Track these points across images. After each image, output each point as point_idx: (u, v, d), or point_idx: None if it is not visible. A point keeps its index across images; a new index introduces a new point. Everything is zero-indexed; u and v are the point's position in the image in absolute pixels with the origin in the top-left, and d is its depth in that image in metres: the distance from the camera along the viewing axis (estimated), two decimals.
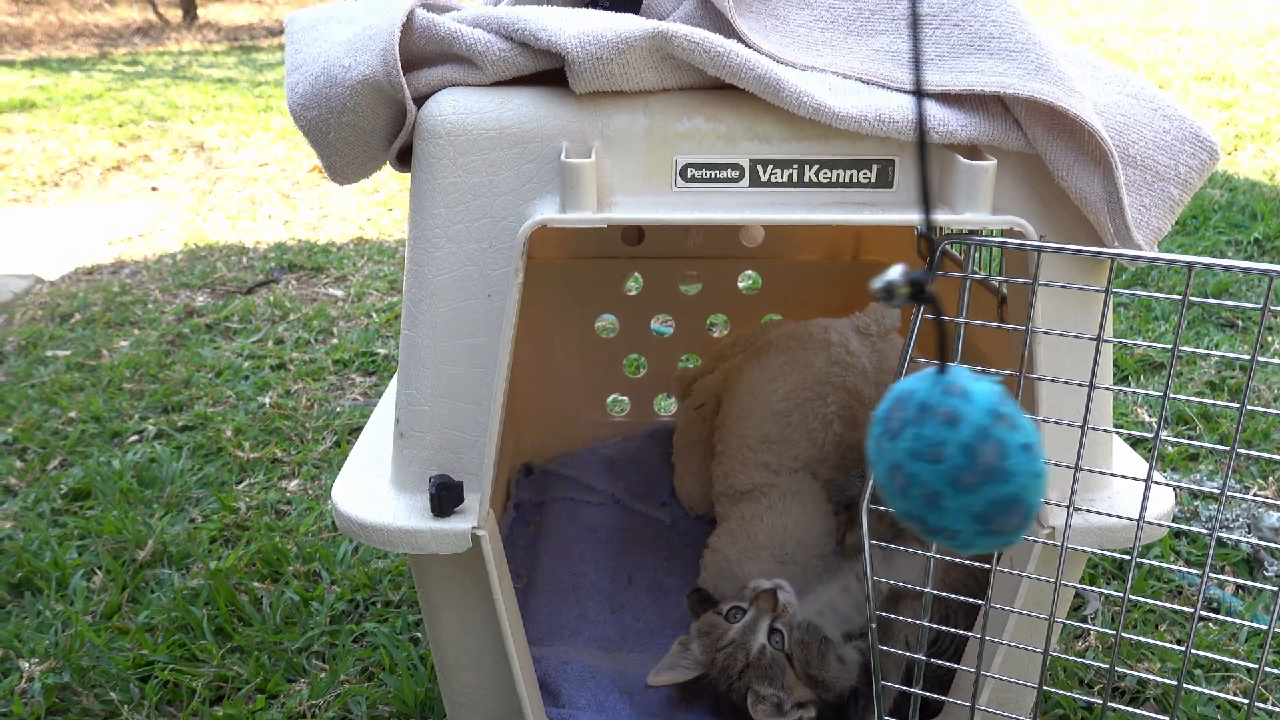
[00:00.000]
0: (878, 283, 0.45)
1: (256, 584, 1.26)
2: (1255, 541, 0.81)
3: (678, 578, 1.28)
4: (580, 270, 1.53)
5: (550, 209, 0.78)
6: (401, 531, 0.82)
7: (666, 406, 1.64)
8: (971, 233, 0.78)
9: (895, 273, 0.45)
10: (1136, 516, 0.79)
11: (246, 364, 2.01)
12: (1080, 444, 0.77)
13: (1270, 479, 1.53)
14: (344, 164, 0.85)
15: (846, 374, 1.23)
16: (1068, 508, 0.79)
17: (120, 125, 4.41)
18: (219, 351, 2.08)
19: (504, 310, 0.80)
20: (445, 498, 0.82)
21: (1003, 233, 0.78)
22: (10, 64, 6.41)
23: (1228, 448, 0.75)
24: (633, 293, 1.55)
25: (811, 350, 1.26)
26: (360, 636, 1.17)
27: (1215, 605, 1.24)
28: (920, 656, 0.89)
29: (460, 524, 0.82)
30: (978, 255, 1.10)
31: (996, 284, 1.10)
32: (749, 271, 1.58)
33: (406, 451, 0.85)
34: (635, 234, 1.53)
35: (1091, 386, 0.76)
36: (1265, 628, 0.78)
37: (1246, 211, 2.81)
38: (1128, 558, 0.81)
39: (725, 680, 0.98)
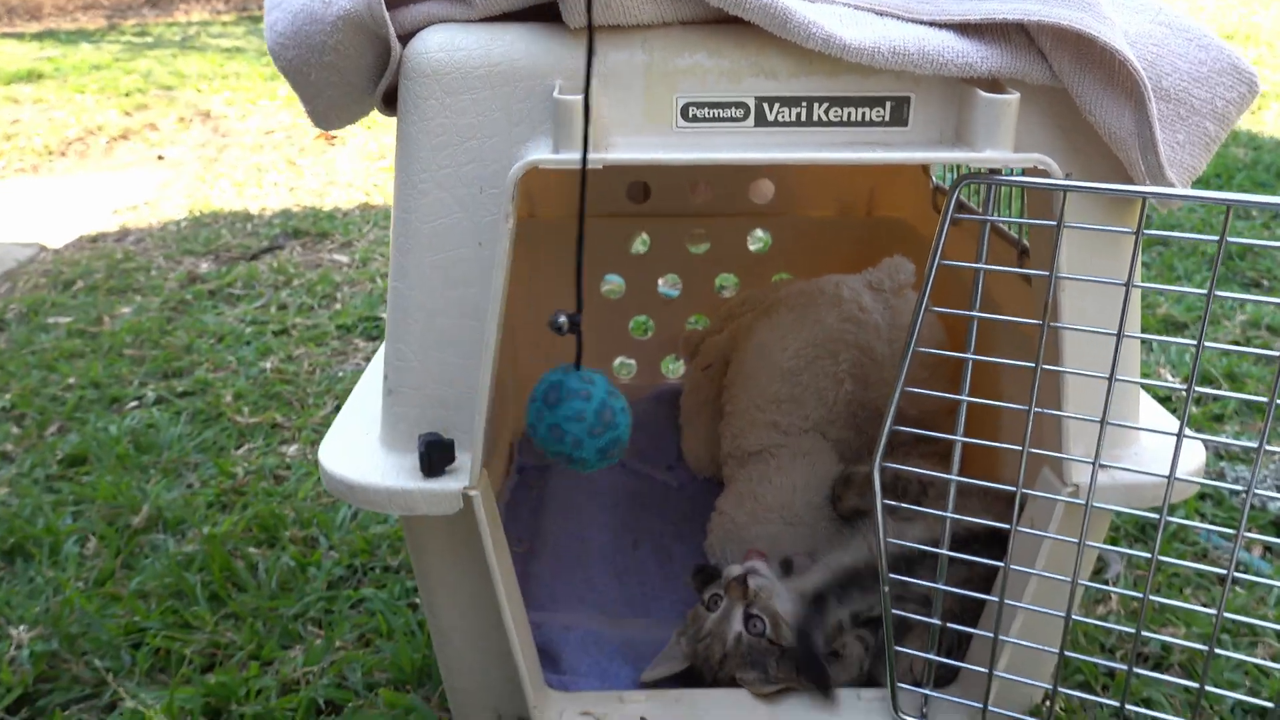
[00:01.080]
0: None
1: (253, 550, 1.24)
2: None
3: (685, 542, 1.24)
4: (586, 230, 1.48)
5: (543, 150, 0.74)
6: (389, 492, 0.78)
7: (674, 369, 1.59)
8: (992, 172, 0.73)
9: None
10: (1166, 473, 0.75)
11: (249, 329, 1.98)
12: (1108, 396, 0.73)
13: None
14: (327, 107, 0.81)
15: (859, 331, 1.18)
16: (1093, 464, 0.75)
17: (127, 95, 4.37)
18: (221, 317, 2.05)
19: (495, 258, 0.76)
20: (435, 456, 0.78)
21: (1025, 172, 0.73)
22: (20, 36, 6.37)
23: (1264, 399, 0.71)
24: (639, 253, 1.50)
25: (822, 307, 1.21)
26: (358, 602, 1.14)
27: (1242, 568, 1.20)
28: (935, 621, 0.85)
29: (451, 484, 0.78)
30: (996, 205, 1.05)
31: (1016, 236, 1.05)
32: (759, 233, 1.53)
33: (395, 409, 0.82)
34: (641, 191, 1.49)
35: (1120, 335, 0.72)
36: None
37: (1271, 170, 2.74)
38: (1153, 517, 0.77)
39: (709, 671, 0.95)
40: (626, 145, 0.74)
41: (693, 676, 0.98)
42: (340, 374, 1.76)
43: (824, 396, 1.18)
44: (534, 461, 1.41)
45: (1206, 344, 0.70)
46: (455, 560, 0.85)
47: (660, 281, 1.53)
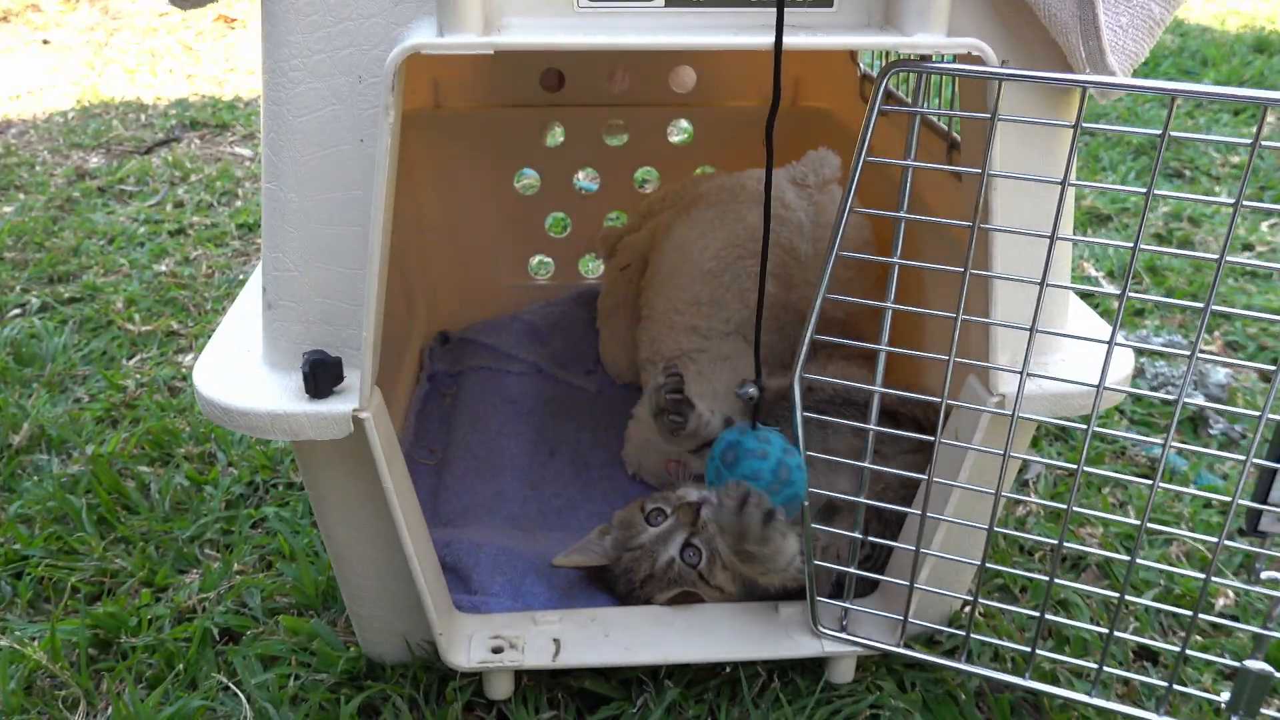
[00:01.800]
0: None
1: (144, 469, 1.16)
2: (1201, 402, 0.75)
3: (602, 450, 1.20)
4: (497, 121, 1.40)
5: (428, 32, 0.65)
6: (272, 416, 0.72)
7: (594, 268, 1.53)
8: (923, 59, 0.67)
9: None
10: (1094, 381, 0.72)
11: (142, 229, 1.85)
12: (1038, 302, 0.69)
13: (1217, 334, 1.48)
14: None
15: (781, 229, 1.13)
16: (1020, 374, 0.72)
17: None
18: (112, 216, 1.92)
19: (378, 157, 0.68)
20: (321, 376, 0.71)
21: (958, 59, 0.67)
22: None
23: (1196, 304, 0.68)
24: (555, 145, 1.42)
25: (744, 204, 1.16)
26: (258, 522, 1.08)
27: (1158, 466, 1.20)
28: (857, 535, 0.83)
29: (340, 405, 0.72)
30: (926, 95, 0.99)
31: (946, 129, 0.99)
32: (682, 123, 1.46)
33: (276, 324, 0.74)
34: (555, 79, 1.40)
35: (1054, 237, 0.67)
36: (1229, 499, 0.72)
37: (1197, 57, 2.72)
38: (1080, 427, 0.74)
39: (626, 583, 0.91)
40: (522, 28, 0.67)
41: (601, 577, 0.95)
42: (241, 277, 1.66)
43: (746, 298, 1.13)
44: (445, 368, 1.34)
45: (1141, 247, 0.66)
46: (350, 484, 0.79)
47: (579, 175, 1.46)
